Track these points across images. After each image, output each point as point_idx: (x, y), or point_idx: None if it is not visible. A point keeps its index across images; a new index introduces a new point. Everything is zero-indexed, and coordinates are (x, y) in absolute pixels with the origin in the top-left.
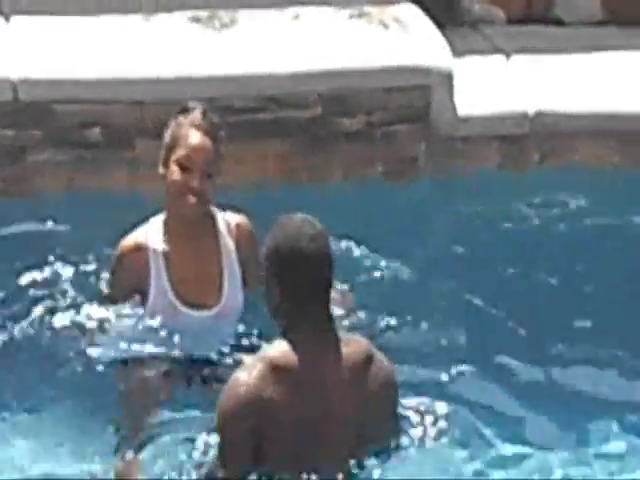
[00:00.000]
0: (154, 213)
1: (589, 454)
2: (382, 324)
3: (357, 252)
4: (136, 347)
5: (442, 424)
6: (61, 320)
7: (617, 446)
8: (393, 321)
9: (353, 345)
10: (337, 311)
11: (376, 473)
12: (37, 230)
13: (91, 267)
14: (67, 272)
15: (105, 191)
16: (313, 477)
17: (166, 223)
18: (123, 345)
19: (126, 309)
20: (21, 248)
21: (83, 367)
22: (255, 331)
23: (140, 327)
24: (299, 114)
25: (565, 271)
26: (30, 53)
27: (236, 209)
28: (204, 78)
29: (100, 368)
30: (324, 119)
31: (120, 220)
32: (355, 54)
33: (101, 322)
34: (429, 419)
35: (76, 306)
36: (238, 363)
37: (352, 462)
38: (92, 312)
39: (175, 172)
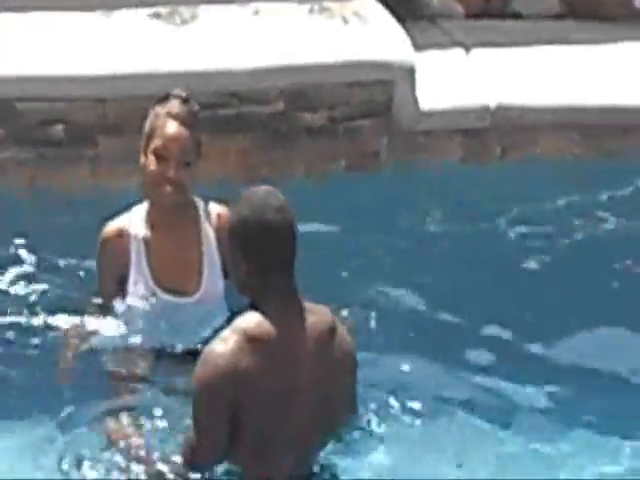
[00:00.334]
0: (129, 206)
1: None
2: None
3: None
4: (119, 335)
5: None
6: (42, 318)
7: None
8: (358, 313)
9: (318, 315)
10: None
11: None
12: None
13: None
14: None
15: (68, 189)
16: (285, 447)
17: (148, 211)
18: (108, 334)
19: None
20: None
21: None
22: None
23: (122, 315)
24: (261, 109)
25: (528, 261)
26: None
27: (219, 200)
28: (165, 74)
29: (87, 358)
30: (286, 114)
31: (83, 218)
32: (316, 49)
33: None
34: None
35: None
36: None
37: (322, 433)
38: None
39: (152, 162)
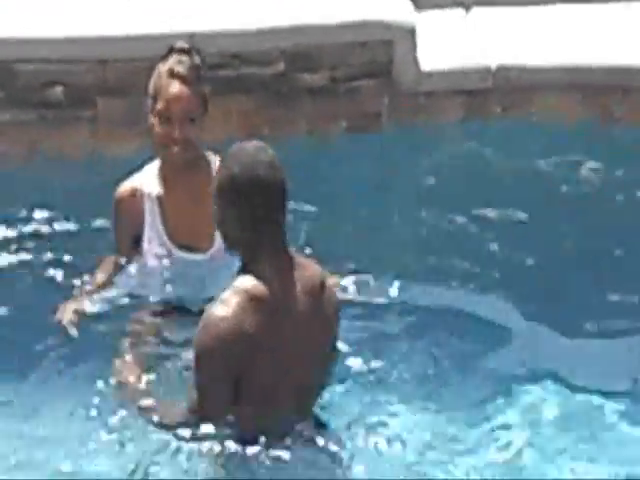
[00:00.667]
0: (141, 165)
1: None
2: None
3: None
4: (134, 292)
5: None
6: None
7: None
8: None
9: (309, 269)
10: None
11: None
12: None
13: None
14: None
15: (67, 150)
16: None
17: (160, 169)
18: (122, 290)
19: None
20: None
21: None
22: None
23: (137, 272)
24: (262, 71)
25: (529, 221)
26: None
27: None
28: (166, 35)
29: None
30: (287, 75)
31: (83, 179)
32: (317, 10)
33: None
34: None
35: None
36: None
37: (317, 384)
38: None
39: (157, 124)
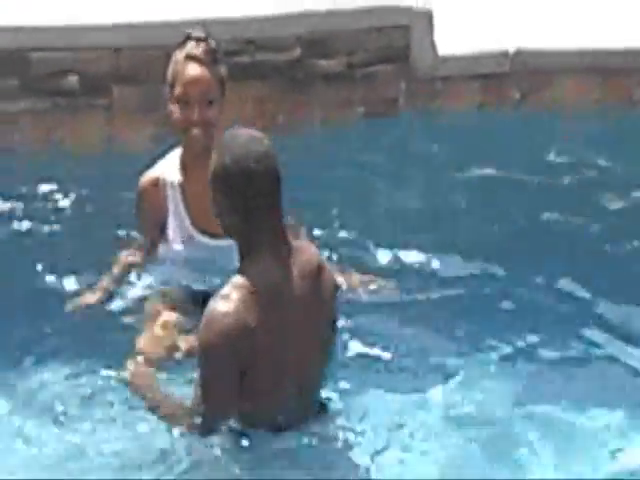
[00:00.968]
0: (163, 153)
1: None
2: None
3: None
4: (159, 280)
5: None
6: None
7: None
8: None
9: (306, 253)
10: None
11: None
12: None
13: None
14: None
15: (82, 138)
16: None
17: (181, 156)
18: (148, 277)
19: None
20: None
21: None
22: None
23: (162, 259)
24: (278, 57)
25: (546, 205)
26: (3, 1)
27: None
28: (181, 22)
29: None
30: (303, 61)
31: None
32: None
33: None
34: None
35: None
36: None
37: (319, 368)
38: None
39: (176, 110)
